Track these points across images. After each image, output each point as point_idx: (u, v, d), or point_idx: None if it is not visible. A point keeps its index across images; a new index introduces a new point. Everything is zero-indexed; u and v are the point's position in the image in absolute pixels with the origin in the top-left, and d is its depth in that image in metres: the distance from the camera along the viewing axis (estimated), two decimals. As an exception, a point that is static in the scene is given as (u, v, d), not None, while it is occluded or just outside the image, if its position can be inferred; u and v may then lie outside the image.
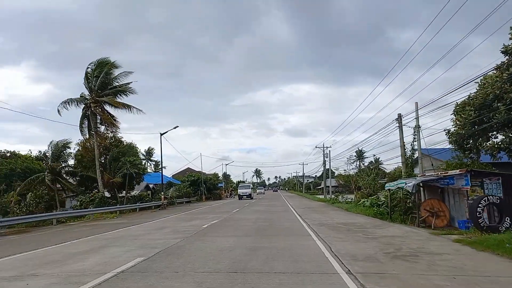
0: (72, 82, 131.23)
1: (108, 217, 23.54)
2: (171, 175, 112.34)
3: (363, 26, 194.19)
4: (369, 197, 29.93)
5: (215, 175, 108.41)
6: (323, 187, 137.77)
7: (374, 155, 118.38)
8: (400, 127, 22.79)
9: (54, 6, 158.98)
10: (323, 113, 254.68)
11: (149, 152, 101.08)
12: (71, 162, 33.89)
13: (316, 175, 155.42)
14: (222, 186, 77.80)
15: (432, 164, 22.18)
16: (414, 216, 16.50)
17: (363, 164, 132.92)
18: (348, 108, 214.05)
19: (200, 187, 50.21)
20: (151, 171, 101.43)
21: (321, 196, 57.83)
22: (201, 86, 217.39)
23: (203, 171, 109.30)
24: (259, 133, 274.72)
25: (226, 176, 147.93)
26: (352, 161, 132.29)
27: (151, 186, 48.81)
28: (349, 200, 33.44)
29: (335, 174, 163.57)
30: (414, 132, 22.01)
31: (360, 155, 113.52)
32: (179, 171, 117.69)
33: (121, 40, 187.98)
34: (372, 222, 15.76)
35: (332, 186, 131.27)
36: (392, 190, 18.15)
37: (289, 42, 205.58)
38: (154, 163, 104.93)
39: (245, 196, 50.20)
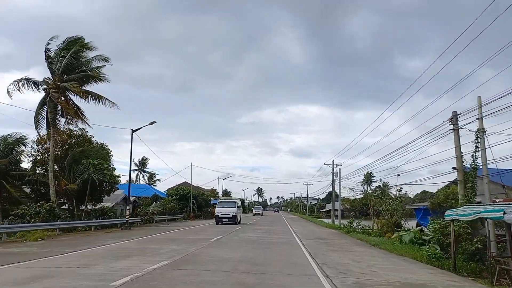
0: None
1: (32, 239, 16.49)
2: (165, 190, 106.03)
3: (372, 51, 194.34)
4: (397, 227, 23.18)
5: (213, 191, 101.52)
6: (328, 210, 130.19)
7: (381, 179, 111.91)
8: (456, 131, 16.08)
9: (67, 16, 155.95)
10: (329, 135, 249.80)
11: (143, 163, 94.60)
12: (27, 164, 27.42)
13: (319, 197, 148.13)
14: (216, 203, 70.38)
15: (504, 186, 15.37)
16: (504, 269, 9.82)
17: (371, 188, 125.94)
18: (354, 131, 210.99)
19: (189, 203, 43.35)
20: (144, 182, 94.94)
21: (328, 221, 50.61)
22: (209, 102, 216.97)
23: (201, 186, 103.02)
24: (263, 152, 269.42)
25: (227, 193, 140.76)
26: (360, 183, 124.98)
27: (132, 199, 42.04)
28: (366, 227, 26.51)
29: (340, 197, 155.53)
30: (476, 138, 15.30)
31: (368, 178, 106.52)
32: (174, 185, 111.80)
33: (132, 53, 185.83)
34: (448, 282, 8.84)
35: (337, 210, 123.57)
36: (463, 220, 11.41)
37: (299, 63, 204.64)
38: (148, 174, 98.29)
39: (226, 220, 32.11)
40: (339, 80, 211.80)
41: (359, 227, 27.93)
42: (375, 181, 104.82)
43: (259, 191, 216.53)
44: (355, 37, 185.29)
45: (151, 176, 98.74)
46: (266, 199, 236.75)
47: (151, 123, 27.75)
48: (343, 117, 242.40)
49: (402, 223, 25.06)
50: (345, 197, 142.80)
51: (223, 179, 68.30)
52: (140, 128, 27.55)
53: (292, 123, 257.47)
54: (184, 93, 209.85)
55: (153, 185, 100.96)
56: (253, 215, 61.14)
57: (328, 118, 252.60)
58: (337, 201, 49.84)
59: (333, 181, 48.09)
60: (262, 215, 73.07)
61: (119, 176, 29.19)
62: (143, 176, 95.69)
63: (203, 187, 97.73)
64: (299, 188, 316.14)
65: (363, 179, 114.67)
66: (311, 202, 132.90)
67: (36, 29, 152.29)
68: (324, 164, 49.72)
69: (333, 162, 48.66)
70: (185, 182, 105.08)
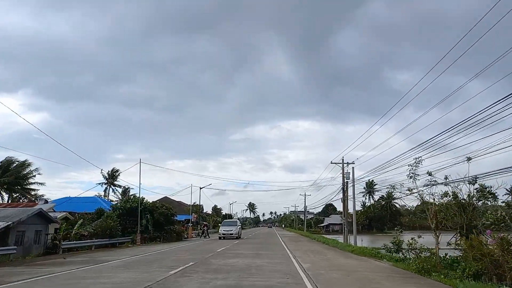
0: (70, 112, 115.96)
1: None
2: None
3: (361, 66, 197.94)
4: None
5: (197, 206, 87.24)
6: (326, 225, 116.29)
7: (391, 185, 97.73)
8: None
9: (58, 39, 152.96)
10: (321, 149, 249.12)
11: (113, 175, 79.62)
12: None
13: (314, 212, 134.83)
14: (189, 220, 55.74)
15: None
16: None
17: (373, 198, 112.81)
18: (345, 145, 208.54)
19: (142, 220, 29.53)
20: (115, 198, 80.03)
21: (336, 238, 37.23)
22: (201, 121, 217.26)
23: (184, 202, 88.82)
24: (257, 168, 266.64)
25: (217, 210, 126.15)
26: (361, 194, 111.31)
27: (62, 215, 28.28)
28: (425, 249, 13.79)
29: (338, 211, 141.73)
30: None
31: (370, 187, 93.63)
32: (155, 200, 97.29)
33: (123, 74, 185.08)
34: None
35: (337, 224, 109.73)
36: None
37: (289, 80, 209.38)
38: (121, 188, 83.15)
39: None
40: (329, 95, 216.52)
41: (413, 248, 15.13)
42: (378, 189, 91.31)
43: (251, 207, 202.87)
44: (343, 54, 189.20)
45: (125, 191, 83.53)
46: (258, 215, 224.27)
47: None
48: (334, 131, 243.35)
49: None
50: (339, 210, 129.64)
51: (201, 188, 53.99)
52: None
53: (284, 139, 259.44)
54: (176, 113, 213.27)
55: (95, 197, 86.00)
56: (220, 237, 35.57)
57: (321, 133, 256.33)
58: (349, 211, 36.67)
59: (345, 184, 35.00)
60: (239, 237, 36.75)
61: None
62: (114, 191, 79.97)
63: (186, 203, 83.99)
64: (295, 200, 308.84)
65: (364, 188, 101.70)
66: (307, 217, 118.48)
67: (25, 51, 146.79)
68: (331, 162, 36.72)
69: (342, 160, 35.75)
70: (166, 197, 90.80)
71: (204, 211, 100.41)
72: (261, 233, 60.48)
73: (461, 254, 12.54)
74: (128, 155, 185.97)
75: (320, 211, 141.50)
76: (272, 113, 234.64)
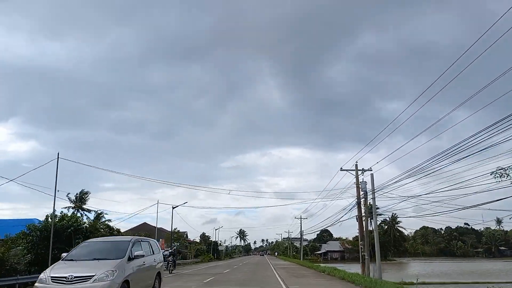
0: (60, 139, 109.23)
1: None
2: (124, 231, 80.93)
3: (352, 95, 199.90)
4: None
5: (180, 234, 77.20)
6: (324, 252, 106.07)
7: (394, 214, 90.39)
8: None
9: (49, 65, 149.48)
10: (312, 177, 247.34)
11: (81, 198, 69.22)
12: None
13: (307, 238, 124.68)
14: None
15: None
16: None
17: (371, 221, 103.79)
18: (335, 172, 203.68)
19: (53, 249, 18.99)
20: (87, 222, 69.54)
21: (347, 269, 28.34)
22: (192, 148, 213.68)
23: (165, 228, 78.60)
24: (248, 196, 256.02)
25: (205, 238, 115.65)
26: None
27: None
28: None
29: (334, 238, 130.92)
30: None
31: (370, 211, 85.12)
32: (133, 227, 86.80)
33: (115, 100, 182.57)
34: None
35: (336, 251, 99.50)
36: None
37: (280, 108, 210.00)
38: (93, 213, 72.56)
39: None
40: (320, 124, 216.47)
41: None
42: (381, 214, 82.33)
43: (242, 234, 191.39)
44: (334, 83, 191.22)
45: (98, 216, 72.85)
46: (249, 242, 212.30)
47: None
48: (324, 159, 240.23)
49: None
50: (343, 237, 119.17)
51: (174, 207, 44.45)
52: None
53: (275, 166, 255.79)
54: (166, 139, 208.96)
55: (101, 228, 76.08)
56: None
57: (312, 160, 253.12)
58: (371, 228, 28.11)
59: (361, 196, 26.55)
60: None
61: None
62: (82, 216, 69.28)
63: (167, 229, 74.16)
64: (288, 226, 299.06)
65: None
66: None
67: (19, 79, 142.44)
68: (342, 169, 28.47)
69: (356, 166, 27.55)
70: (145, 223, 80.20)
71: (192, 239, 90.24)
72: (251, 263, 50.33)
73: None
74: (118, 183, 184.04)
75: (314, 237, 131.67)
76: (263, 140, 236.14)
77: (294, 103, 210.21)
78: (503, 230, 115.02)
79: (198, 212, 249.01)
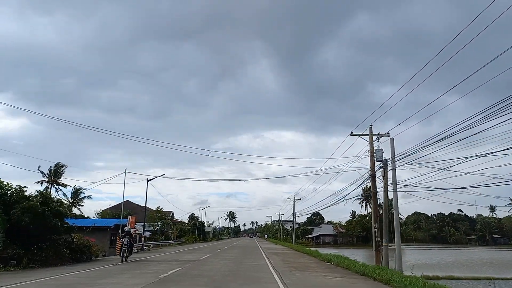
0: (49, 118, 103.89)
1: None
2: (100, 211, 75.62)
3: (345, 79, 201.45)
4: None
5: (164, 213, 72.12)
6: (316, 236, 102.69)
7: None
8: None
9: (42, 45, 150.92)
10: (304, 160, 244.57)
11: (56, 172, 62.88)
12: None
13: (298, 222, 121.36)
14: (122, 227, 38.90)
15: None
16: None
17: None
18: (328, 156, 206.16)
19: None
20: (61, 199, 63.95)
21: (337, 252, 23.86)
22: (184, 129, 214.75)
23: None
24: (239, 178, 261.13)
25: (194, 219, 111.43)
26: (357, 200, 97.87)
27: None
28: None
29: (326, 221, 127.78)
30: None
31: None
32: (114, 204, 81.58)
33: (106, 80, 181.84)
34: None
35: (328, 235, 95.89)
36: None
37: (273, 90, 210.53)
38: (71, 188, 66.73)
39: None
40: (312, 107, 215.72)
41: None
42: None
43: (231, 215, 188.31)
44: (328, 66, 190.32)
45: (76, 192, 67.08)
46: (239, 225, 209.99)
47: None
48: (316, 142, 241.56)
49: None
50: (334, 221, 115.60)
51: (149, 180, 39.14)
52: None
53: (267, 149, 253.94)
54: (158, 120, 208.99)
55: (79, 205, 70.65)
56: None
57: (303, 144, 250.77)
58: (392, 214, 23.31)
59: (374, 167, 21.63)
60: None
61: None
62: (57, 191, 63.17)
63: (152, 208, 69.21)
64: (279, 208, 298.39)
65: (361, 195, 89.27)
66: (290, 227, 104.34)
67: (9, 57, 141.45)
68: (352, 134, 23.49)
69: (371, 130, 22.57)
70: (128, 201, 74.88)
71: (180, 219, 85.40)
72: (238, 246, 45.77)
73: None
74: (109, 162, 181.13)
75: (305, 221, 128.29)
76: (255, 122, 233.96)
77: (287, 85, 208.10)
78: (496, 217, 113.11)
79: (189, 194, 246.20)
